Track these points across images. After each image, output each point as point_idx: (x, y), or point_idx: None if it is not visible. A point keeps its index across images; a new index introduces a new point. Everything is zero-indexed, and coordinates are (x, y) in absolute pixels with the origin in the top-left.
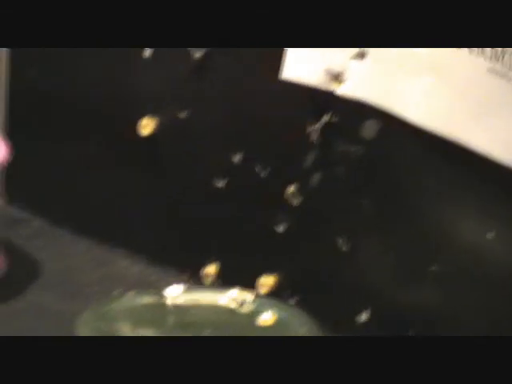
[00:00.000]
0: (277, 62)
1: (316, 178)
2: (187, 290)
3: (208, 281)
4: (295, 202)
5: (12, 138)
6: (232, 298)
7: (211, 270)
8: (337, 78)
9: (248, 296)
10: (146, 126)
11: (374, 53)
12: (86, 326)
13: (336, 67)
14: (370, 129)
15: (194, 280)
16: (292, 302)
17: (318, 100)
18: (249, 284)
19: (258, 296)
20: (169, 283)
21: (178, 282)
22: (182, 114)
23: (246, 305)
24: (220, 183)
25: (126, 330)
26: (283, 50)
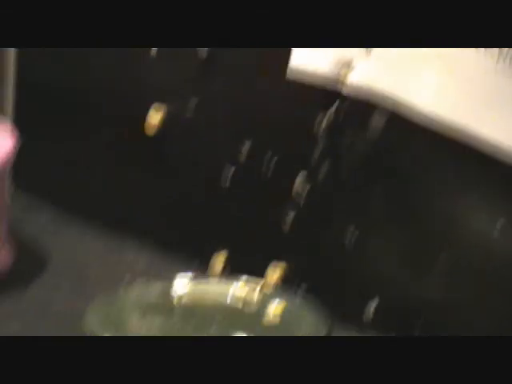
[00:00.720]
0: (284, 58)
1: (324, 170)
2: (196, 279)
3: (216, 270)
4: (304, 192)
5: (19, 127)
6: (240, 288)
7: (219, 259)
8: (346, 65)
9: (256, 286)
10: (154, 117)
11: None
12: (95, 316)
13: (345, 54)
14: (377, 122)
15: (203, 270)
16: (300, 291)
17: (326, 92)
18: (257, 274)
19: (266, 285)
20: (177, 273)
21: (186, 271)
22: (190, 107)
23: (255, 294)
24: (228, 174)
25: (134, 318)
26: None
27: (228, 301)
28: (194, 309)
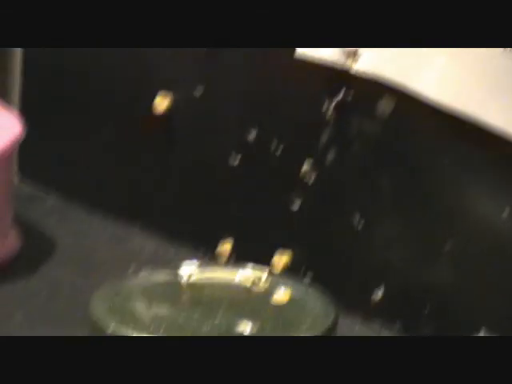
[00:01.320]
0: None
1: (331, 156)
2: (202, 267)
3: (223, 258)
4: (310, 179)
5: (25, 114)
6: (247, 275)
7: (226, 247)
8: (352, 54)
9: (263, 273)
10: (161, 103)
11: None
12: (100, 303)
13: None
14: (385, 106)
15: (209, 257)
16: (306, 279)
17: (333, 77)
18: (263, 261)
19: (272, 273)
20: (184, 261)
21: (192, 259)
22: (197, 92)
23: (261, 282)
24: (235, 160)
25: (140, 306)
26: None
27: (234, 288)
28: (200, 296)
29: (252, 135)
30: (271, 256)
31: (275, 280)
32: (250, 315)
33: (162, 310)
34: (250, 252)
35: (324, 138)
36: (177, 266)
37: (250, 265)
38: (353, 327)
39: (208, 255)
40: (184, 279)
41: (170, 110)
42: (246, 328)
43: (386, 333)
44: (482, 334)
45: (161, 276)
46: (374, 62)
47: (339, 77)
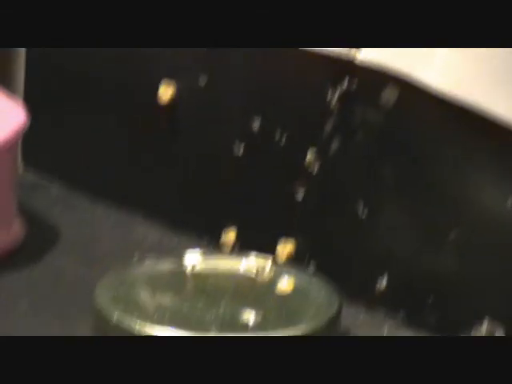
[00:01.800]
0: None
1: (335, 145)
2: (206, 256)
3: (227, 247)
4: (314, 169)
5: (29, 103)
6: (251, 264)
7: (230, 236)
8: None
9: (267, 263)
10: (165, 93)
11: None
12: (105, 292)
13: None
14: (389, 96)
15: (213, 246)
16: (310, 268)
17: (337, 66)
18: (267, 250)
19: (276, 263)
20: (188, 249)
21: (197, 248)
22: (201, 82)
23: (265, 271)
24: (239, 149)
25: (144, 295)
26: None
27: (238, 278)
28: (204, 285)
29: (256, 125)
30: (275, 245)
31: (279, 269)
32: (254, 304)
33: (166, 299)
34: (254, 241)
35: (328, 127)
36: (181, 255)
37: (254, 254)
38: (356, 316)
39: (212, 244)
40: (188, 268)
41: (174, 100)
42: (249, 317)
43: (389, 322)
44: (485, 323)
45: (165, 265)
46: (378, 51)
47: (343, 66)
